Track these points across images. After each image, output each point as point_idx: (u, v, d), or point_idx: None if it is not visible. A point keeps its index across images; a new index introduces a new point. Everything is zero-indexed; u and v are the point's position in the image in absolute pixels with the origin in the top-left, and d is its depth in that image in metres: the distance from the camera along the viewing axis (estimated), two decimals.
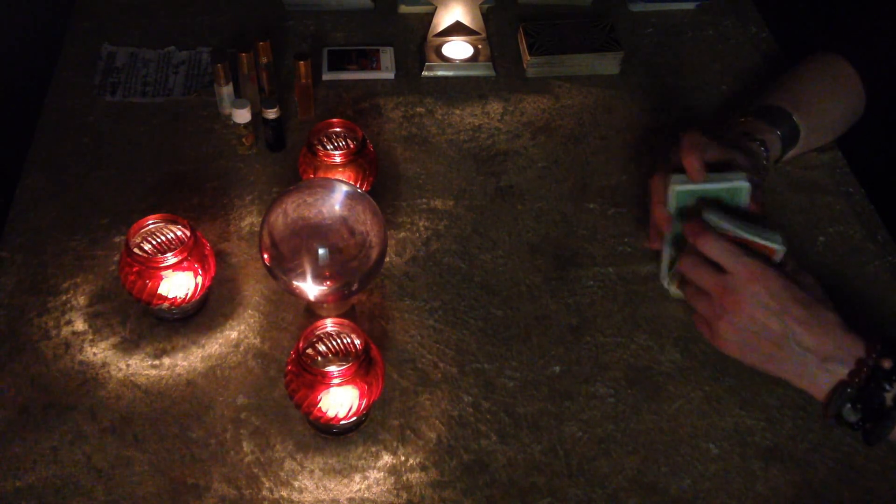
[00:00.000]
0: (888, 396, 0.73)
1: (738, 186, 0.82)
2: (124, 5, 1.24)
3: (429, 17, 1.21)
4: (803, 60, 1.03)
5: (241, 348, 0.87)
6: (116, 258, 0.93)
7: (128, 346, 0.86)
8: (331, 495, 0.77)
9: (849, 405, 0.74)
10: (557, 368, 0.87)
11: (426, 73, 1.17)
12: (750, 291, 0.76)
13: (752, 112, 0.96)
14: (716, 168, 0.84)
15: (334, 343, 0.80)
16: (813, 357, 0.75)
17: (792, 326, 0.75)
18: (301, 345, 0.77)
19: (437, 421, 0.82)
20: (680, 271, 0.83)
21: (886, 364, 0.73)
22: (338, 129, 0.96)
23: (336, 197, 0.84)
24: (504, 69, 1.19)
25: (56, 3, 1.40)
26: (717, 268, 0.78)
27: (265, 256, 0.82)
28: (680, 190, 0.83)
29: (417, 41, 1.22)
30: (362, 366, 0.75)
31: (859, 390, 0.74)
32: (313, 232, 0.83)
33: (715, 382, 0.86)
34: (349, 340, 0.79)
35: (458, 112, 1.13)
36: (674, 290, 0.88)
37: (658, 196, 0.86)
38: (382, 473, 0.79)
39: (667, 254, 0.87)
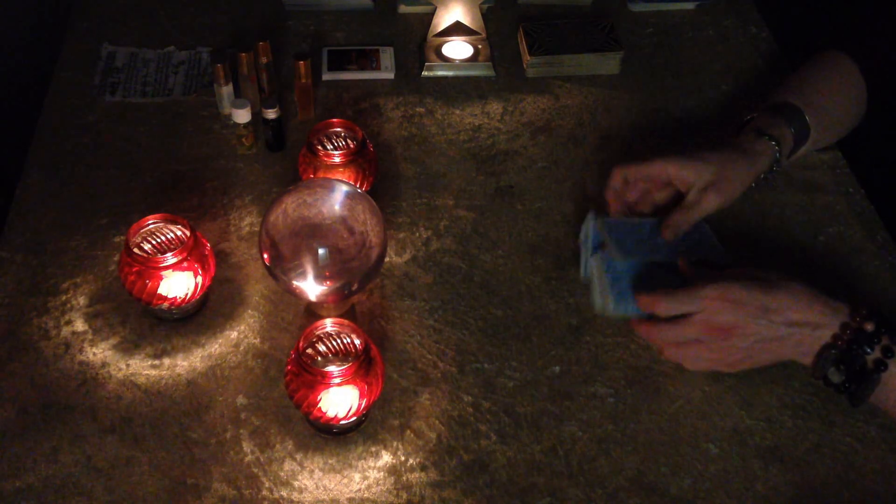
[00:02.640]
0: (869, 359, 0.77)
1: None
2: (124, 5, 1.24)
3: (429, 17, 1.21)
4: (809, 60, 1.03)
5: (241, 348, 0.87)
6: (116, 258, 0.93)
7: (128, 346, 0.86)
8: (331, 495, 0.77)
9: (832, 367, 0.79)
10: (557, 368, 0.87)
11: (426, 73, 1.17)
12: (726, 314, 0.78)
13: (763, 109, 0.96)
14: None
15: (334, 343, 0.80)
16: (805, 329, 0.78)
17: (777, 317, 0.78)
18: (301, 345, 0.77)
19: (437, 421, 0.82)
20: (660, 342, 0.83)
21: (869, 327, 0.77)
22: (338, 129, 0.96)
23: (336, 197, 0.84)
24: (504, 69, 1.19)
25: (56, 3, 1.40)
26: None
27: (265, 256, 0.82)
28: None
29: (417, 41, 1.22)
30: (362, 366, 0.75)
31: (842, 352, 0.78)
32: (313, 232, 0.83)
33: (715, 382, 0.86)
34: (349, 340, 0.79)
35: (458, 112, 1.13)
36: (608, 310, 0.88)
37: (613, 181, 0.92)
38: (382, 473, 0.79)
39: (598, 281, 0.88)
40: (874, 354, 0.77)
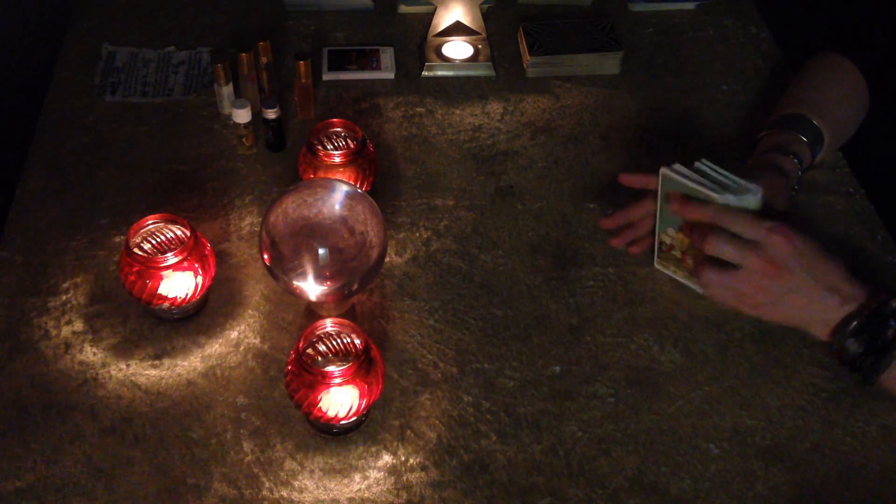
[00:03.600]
0: (889, 332, 0.78)
1: (748, 201, 0.82)
2: (124, 5, 1.24)
3: (429, 17, 1.21)
4: (808, 65, 1.03)
5: (241, 348, 0.87)
6: (116, 258, 0.93)
7: (128, 346, 0.86)
8: (331, 495, 0.77)
9: (852, 338, 0.79)
10: (557, 368, 0.87)
11: (426, 73, 1.17)
12: (786, 254, 0.78)
13: (774, 124, 0.96)
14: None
15: (334, 343, 0.80)
16: (835, 299, 0.79)
17: (822, 278, 0.79)
18: (301, 345, 0.77)
19: (437, 421, 0.82)
20: (705, 253, 0.82)
21: (894, 304, 0.78)
22: (338, 129, 0.96)
23: (336, 197, 0.84)
24: (504, 69, 1.19)
25: (56, 3, 1.40)
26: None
27: (265, 256, 0.82)
28: (675, 181, 0.83)
29: (417, 41, 1.22)
30: (362, 366, 0.75)
31: (863, 324, 0.78)
32: (313, 232, 0.83)
33: (715, 382, 0.86)
34: (349, 340, 0.79)
35: (458, 112, 1.13)
36: (663, 269, 0.90)
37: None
38: (382, 473, 0.79)
39: (657, 238, 0.89)
40: (895, 328, 0.77)
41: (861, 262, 0.97)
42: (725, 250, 0.79)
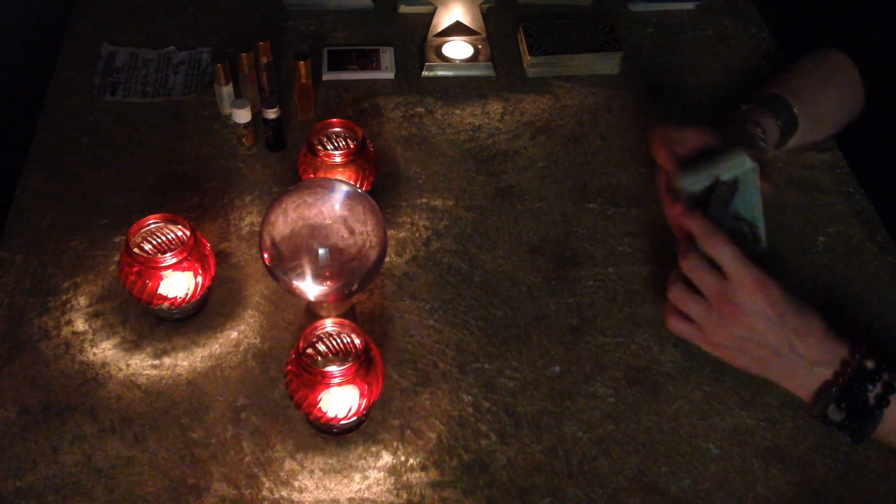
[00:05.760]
0: (871, 395, 0.75)
1: (745, 170, 0.81)
2: (124, 5, 1.24)
3: (429, 17, 1.21)
4: (804, 55, 1.03)
5: (241, 348, 0.87)
6: (116, 258, 0.93)
7: (128, 346, 0.86)
8: (331, 495, 0.77)
9: (833, 405, 0.76)
10: (557, 368, 0.87)
11: (426, 73, 1.17)
12: (751, 301, 0.76)
13: (752, 99, 0.96)
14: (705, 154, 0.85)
15: (334, 343, 0.80)
16: (804, 362, 0.76)
17: (789, 335, 0.76)
18: (301, 345, 0.77)
19: (437, 421, 0.82)
20: (682, 270, 0.83)
21: (870, 364, 0.75)
22: (338, 129, 0.96)
23: (336, 197, 0.84)
24: (504, 69, 1.19)
25: (56, 3, 1.40)
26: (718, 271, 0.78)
27: (265, 256, 0.82)
28: (691, 191, 0.83)
29: (417, 41, 1.22)
30: (362, 366, 0.76)
31: (843, 390, 0.75)
32: (313, 232, 0.83)
33: (715, 382, 0.86)
34: (349, 340, 0.80)
35: (458, 112, 1.13)
36: None
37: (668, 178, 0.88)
38: (382, 473, 0.79)
39: None
40: (875, 391, 0.75)
41: (861, 262, 0.97)
42: (696, 271, 0.78)
